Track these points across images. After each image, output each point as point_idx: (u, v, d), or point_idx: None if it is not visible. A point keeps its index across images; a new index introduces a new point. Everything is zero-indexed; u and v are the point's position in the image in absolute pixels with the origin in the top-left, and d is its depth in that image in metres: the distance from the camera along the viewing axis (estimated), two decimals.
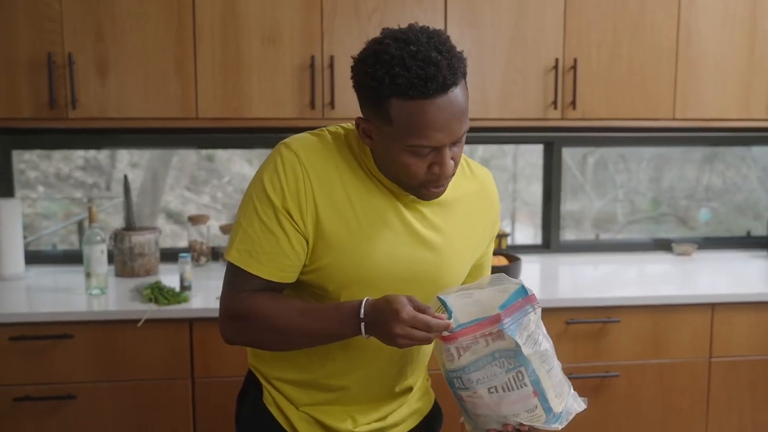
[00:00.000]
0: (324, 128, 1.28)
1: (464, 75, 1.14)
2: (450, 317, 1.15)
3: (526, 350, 1.10)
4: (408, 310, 1.09)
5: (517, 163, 3.50)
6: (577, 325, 2.30)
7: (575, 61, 2.48)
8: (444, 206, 1.29)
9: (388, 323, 1.10)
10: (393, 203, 1.24)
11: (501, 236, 2.87)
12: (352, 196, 1.21)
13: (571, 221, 3.29)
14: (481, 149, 3.21)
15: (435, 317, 1.11)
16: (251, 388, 1.42)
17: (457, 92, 1.10)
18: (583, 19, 2.48)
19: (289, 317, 1.19)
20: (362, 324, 1.14)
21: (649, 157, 3.26)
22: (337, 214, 1.20)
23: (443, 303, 1.17)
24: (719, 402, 2.40)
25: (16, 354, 2.10)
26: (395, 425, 1.40)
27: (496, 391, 1.14)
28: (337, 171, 1.21)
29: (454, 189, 1.29)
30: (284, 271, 1.21)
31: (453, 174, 1.19)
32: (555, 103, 2.49)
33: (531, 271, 2.73)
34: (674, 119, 2.58)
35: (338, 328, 1.17)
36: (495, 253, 2.54)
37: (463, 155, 1.37)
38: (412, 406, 1.43)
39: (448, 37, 1.14)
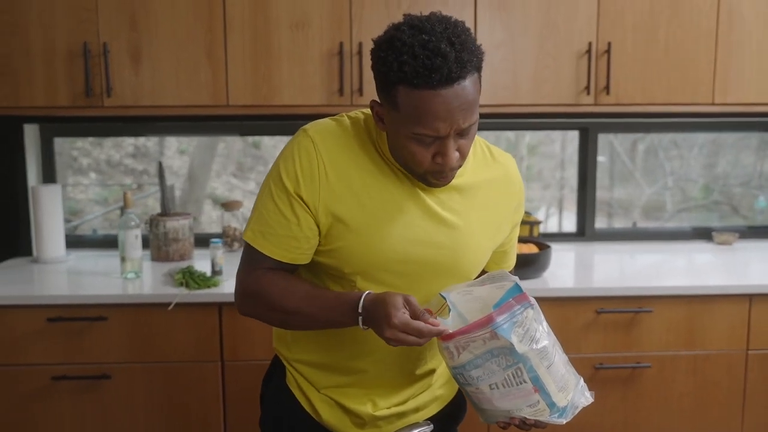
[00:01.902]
0: (345, 113, 1.30)
1: (477, 68, 1.13)
2: (450, 312, 1.18)
3: (521, 348, 1.11)
4: (399, 316, 1.11)
5: (566, 150, 3.43)
6: (608, 315, 2.25)
7: (609, 45, 2.42)
8: (464, 191, 1.29)
9: (381, 324, 1.12)
10: (410, 188, 1.25)
11: (533, 224, 2.83)
12: (367, 181, 1.23)
13: (619, 209, 3.22)
14: (528, 136, 3.16)
15: (428, 323, 1.12)
16: (276, 370, 1.45)
17: (464, 85, 1.10)
18: (618, 2, 2.42)
19: (294, 300, 1.23)
20: (360, 318, 1.17)
21: (702, 143, 3.15)
22: (352, 198, 1.22)
23: (445, 299, 1.20)
24: (756, 395, 2.33)
25: (53, 334, 2.18)
26: (416, 410, 1.41)
27: (497, 388, 1.16)
28: (353, 156, 1.23)
29: (475, 174, 1.30)
30: (294, 253, 1.25)
31: (459, 166, 1.19)
32: (588, 88, 2.44)
33: (564, 258, 2.69)
34: (713, 104, 2.49)
35: (338, 318, 1.20)
36: (525, 241, 2.51)
37: (485, 142, 1.37)
38: (434, 392, 1.43)
39: (468, 29, 1.13)
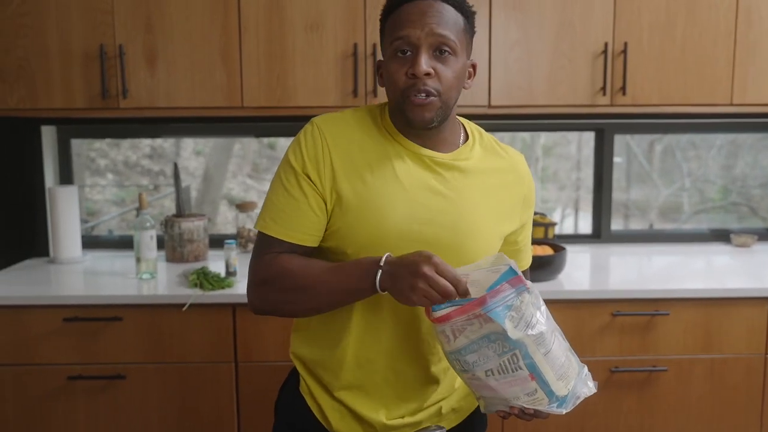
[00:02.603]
0: (352, 108, 1.36)
1: (459, 8, 1.23)
2: None
3: (514, 334, 1.08)
4: (439, 259, 1.10)
5: (582, 151, 3.41)
6: (624, 318, 2.23)
7: (625, 45, 2.39)
8: (468, 174, 1.30)
9: (405, 277, 1.10)
10: (413, 168, 1.27)
11: (548, 225, 2.81)
12: (370, 160, 1.26)
13: (636, 210, 3.19)
14: (544, 137, 3.14)
15: (459, 279, 1.10)
16: (291, 377, 1.46)
17: (442, 5, 1.21)
18: (635, 1, 2.40)
19: (310, 273, 1.23)
20: (379, 272, 1.15)
21: (721, 144, 3.11)
22: (355, 176, 1.25)
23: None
24: None
25: (69, 334, 2.19)
26: (431, 421, 1.38)
27: (493, 375, 1.13)
28: (356, 137, 1.28)
29: (480, 161, 1.33)
30: (305, 233, 1.26)
31: (436, 90, 1.21)
32: (604, 89, 2.42)
33: (580, 260, 2.67)
34: (732, 104, 2.46)
35: (355, 283, 1.18)
36: (540, 243, 2.50)
37: (495, 139, 1.39)
38: (451, 404, 1.40)
39: None
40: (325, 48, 2.38)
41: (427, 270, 1.09)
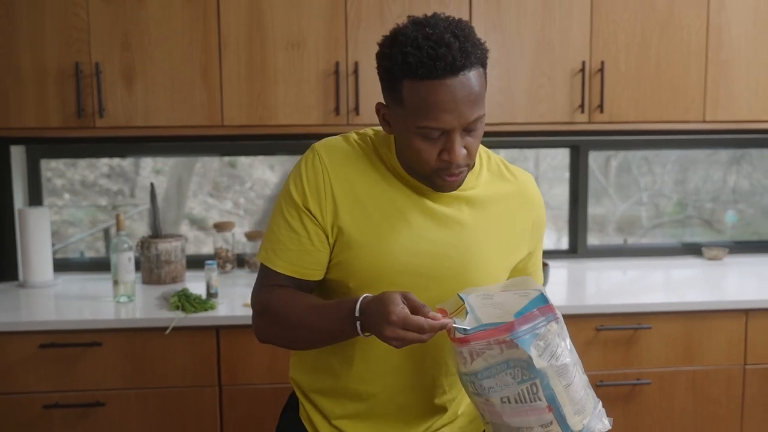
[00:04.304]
0: (354, 131, 1.31)
1: (481, 62, 1.13)
2: (467, 315, 1.11)
3: (539, 363, 1.05)
4: (398, 311, 1.05)
5: (539, 167, 3.46)
6: (607, 332, 2.26)
7: (602, 63, 2.44)
8: (474, 204, 1.27)
9: (380, 323, 1.07)
10: (417, 200, 1.24)
11: None
12: (373, 193, 1.22)
13: (594, 225, 3.24)
14: (503, 153, 3.18)
15: (430, 317, 1.06)
16: (291, 402, 1.43)
17: (469, 76, 1.10)
18: (611, 21, 2.45)
19: (297, 313, 1.21)
20: (358, 323, 1.12)
21: (674, 159, 3.21)
22: (357, 209, 1.22)
23: (464, 301, 1.13)
24: (755, 410, 2.34)
25: (46, 361, 2.12)
26: None
27: (509, 402, 1.08)
28: (359, 168, 1.24)
29: (488, 188, 1.29)
30: (306, 268, 1.24)
31: (466, 165, 1.17)
32: (582, 106, 2.46)
33: (558, 276, 2.70)
34: (704, 122, 2.53)
35: (339, 326, 1.15)
36: None
37: (503, 159, 1.36)
38: (454, 430, 1.37)
39: (471, 26, 1.14)
40: (306, 66, 2.37)
41: (390, 332, 1.06)
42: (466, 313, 1.12)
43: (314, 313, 1.19)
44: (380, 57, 1.16)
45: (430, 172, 1.17)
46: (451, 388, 1.33)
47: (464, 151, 1.14)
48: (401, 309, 1.06)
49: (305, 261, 1.23)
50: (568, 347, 1.10)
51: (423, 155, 1.15)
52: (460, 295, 1.15)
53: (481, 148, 1.34)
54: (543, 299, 1.09)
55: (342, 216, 1.21)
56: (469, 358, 1.09)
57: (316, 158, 1.23)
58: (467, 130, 1.14)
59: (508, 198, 1.31)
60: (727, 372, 2.32)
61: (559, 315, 1.11)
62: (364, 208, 1.22)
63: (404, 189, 1.24)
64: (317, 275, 1.25)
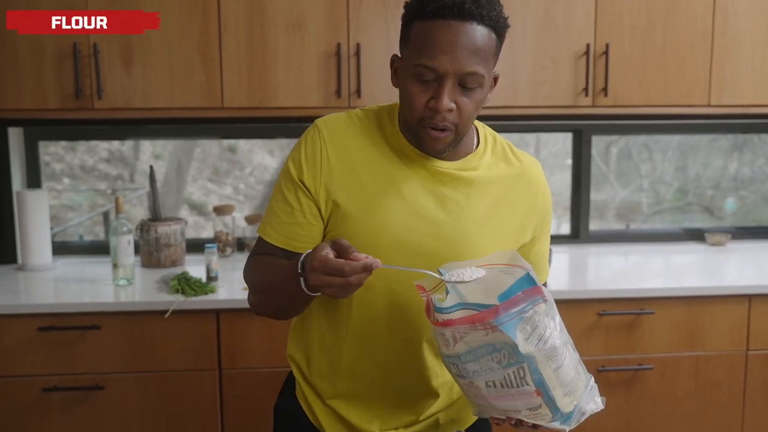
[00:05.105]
0: (360, 108, 1.30)
1: (494, 27, 1.12)
2: (448, 294, 1.06)
3: (526, 348, 0.99)
4: (319, 256, 1.02)
5: (540, 153, 3.44)
6: (609, 317, 2.24)
7: (607, 46, 2.41)
8: (474, 186, 1.24)
9: (308, 273, 1.05)
10: (416, 178, 1.22)
11: None
12: (372, 169, 1.22)
13: (594, 212, 3.22)
14: (504, 137, 3.15)
15: (353, 259, 1.01)
16: (288, 383, 1.42)
17: (476, 28, 1.09)
18: (615, 3, 2.42)
19: (267, 276, 1.23)
20: (301, 279, 1.09)
21: (675, 146, 3.18)
22: (354, 184, 1.21)
23: (443, 277, 1.08)
24: (757, 395, 2.33)
25: (44, 344, 2.10)
26: (428, 431, 1.34)
27: (494, 386, 1.03)
28: (359, 144, 1.23)
29: (490, 170, 1.26)
30: (296, 241, 1.24)
31: (455, 125, 1.14)
32: (586, 89, 2.43)
33: (560, 261, 2.68)
34: (709, 105, 2.50)
35: (293, 285, 1.11)
36: None
37: (509, 143, 1.33)
38: (450, 415, 1.36)
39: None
40: (307, 48, 2.34)
41: (314, 279, 1.03)
42: (446, 291, 1.07)
43: (277, 274, 1.19)
44: (403, 11, 1.18)
45: (417, 121, 1.15)
46: (444, 372, 1.31)
47: (453, 105, 1.12)
48: (323, 254, 1.02)
49: (296, 234, 1.23)
50: (558, 327, 1.04)
51: (413, 100, 1.14)
52: (440, 270, 1.09)
53: (488, 130, 1.32)
54: (529, 280, 1.03)
55: (338, 190, 1.21)
56: (452, 341, 1.03)
57: (316, 133, 1.23)
58: (462, 86, 1.12)
59: (510, 181, 1.28)
60: (729, 357, 2.31)
61: (548, 295, 1.05)
62: (362, 183, 1.21)
63: (404, 166, 1.22)
64: (307, 248, 1.21)
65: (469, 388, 1.08)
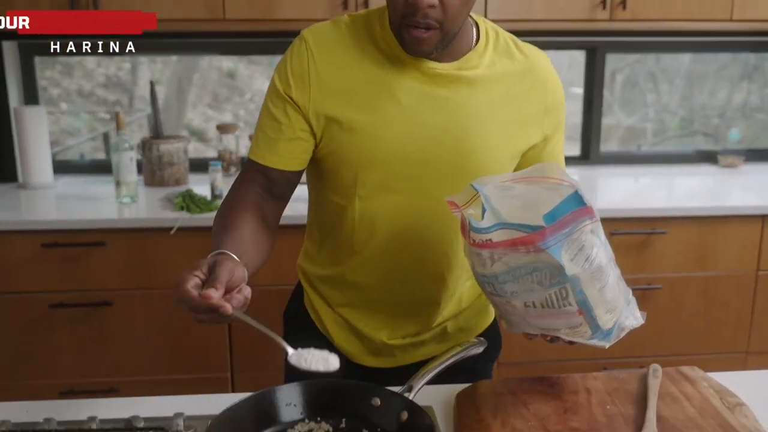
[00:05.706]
0: (348, 14, 1.21)
1: None
2: (484, 212, 0.98)
3: (572, 269, 0.92)
4: (179, 283, 0.91)
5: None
6: (621, 237, 2.22)
7: None
8: (475, 85, 1.16)
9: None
10: (411, 83, 1.14)
11: None
12: (364, 78, 1.14)
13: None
14: None
15: (204, 296, 0.88)
16: (297, 289, 1.41)
17: None
18: None
19: (215, 226, 1.14)
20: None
21: (683, 74, 3.09)
22: (346, 95, 1.14)
23: (478, 192, 0.99)
24: (764, 315, 2.34)
25: (49, 261, 2.08)
26: (438, 342, 1.32)
27: (533, 306, 0.97)
28: (349, 53, 1.15)
29: (492, 67, 1.18)
30: (282, 157, 1.17)
31: (437, 22, 1.05)
32: (604, 2, 2.33)
33: None
34: (731, 20, 2.40)
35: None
36: None
37: (513, 36, 1.24)
38: (459, 323, 1.33)
39: None
40: None
41: (177, 293, 0.92)
42: (483, 208, 0.98)
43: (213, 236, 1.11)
44: None
45: (399, 20, 1.07)
46: (455, 284, 1.28)
47: (434, 2, 1.03)
48: (186, 286, 0.91)
49: (284, 149, 1.16)
50: (603, 244, 0.97)
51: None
52: (474, 185, 1.01)
53: (489, 25, 1.22)
54: (578, 199, 0.93)
55: (329, 103, 1.14)
56: (489, 261, 0.96)
57: (302, 45, 1.16)
58: None
59: (515, 78, 1.19)
60: (738, 278, 2.29)
61: (596, 214, 0.96)
62: (354, 93, 1.13)
63: (398, 72, 1.14)
64: (294, 165, 1.18)
65: (505, 306, 1.01)
